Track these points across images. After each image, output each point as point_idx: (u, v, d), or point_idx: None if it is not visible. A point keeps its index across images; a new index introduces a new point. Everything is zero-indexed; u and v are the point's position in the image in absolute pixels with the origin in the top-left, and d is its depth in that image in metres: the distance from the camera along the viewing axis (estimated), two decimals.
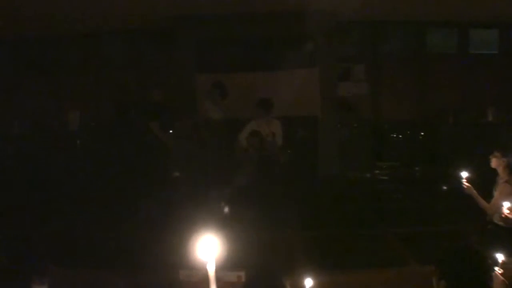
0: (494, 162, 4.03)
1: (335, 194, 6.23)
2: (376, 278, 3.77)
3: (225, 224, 5.13)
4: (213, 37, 7.15)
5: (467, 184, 3.98)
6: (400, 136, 8.03)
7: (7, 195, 5.57)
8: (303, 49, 7.30)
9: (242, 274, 3.20)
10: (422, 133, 7.98)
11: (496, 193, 4.00)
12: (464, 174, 3.99)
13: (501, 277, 2.38)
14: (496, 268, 2.42)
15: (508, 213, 3.52)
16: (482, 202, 3.99)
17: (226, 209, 5.18)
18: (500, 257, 2.50)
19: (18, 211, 5.24)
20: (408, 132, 8.04)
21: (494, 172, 4.10)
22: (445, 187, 6.33)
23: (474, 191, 3.99)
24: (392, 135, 8.03)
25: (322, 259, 4.05)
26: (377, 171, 7.42)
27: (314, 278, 2.49)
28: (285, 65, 7.11)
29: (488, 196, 4.05)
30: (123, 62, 8.08)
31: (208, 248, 1.52)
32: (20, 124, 7.58)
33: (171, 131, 6.27)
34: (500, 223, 3.79)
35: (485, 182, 4.16)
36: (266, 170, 5.67)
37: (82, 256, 4.25)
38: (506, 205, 3.56)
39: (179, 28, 7.13)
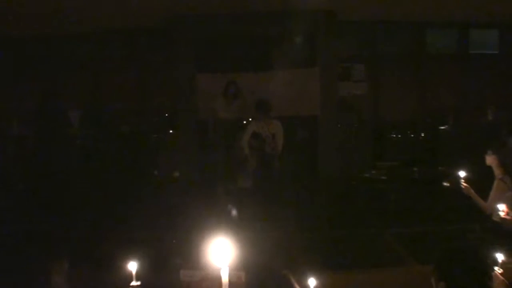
0: (488, 160, 4.05)
1: (335, 194, 6.23)
2: (376, 278, 3.77)
3: (225, 224, 5.15)
4: (213, 37, 7.16)
5: (465, 184, 3.99)
6: (400, 136, 8.03)
7: (6, 195, 5.58)
8: (303, 49, 7.30)
9: (242, 274, 3.20)
10: (422, 133, 7.98)
11: (491, 192, 4.01)
12: (462, 174, 4.00)
13: (501, 277, 2.38)
14: (496, 268, 2.43)
15: (503, 215, 3.53)
16: (480, 201, 4.00)
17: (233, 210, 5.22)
18: (500, 256, 2.50)
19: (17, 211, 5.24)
20: (408, 132, 8.04)
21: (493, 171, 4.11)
22: (445, 187, 6.33)
23: (472, 191, 3.99)
24: (392, 135, 8.03)
25: (322, 259, 4.05)
26: (377, 171, 7.42)
27: (315, 278, 2.50)
28: (285, 65, 7.11)
29: (487, 195, 4.06)
30: (123, 61, 8.09)
31: (222, 252, 1.46)
32: (20, 124, 7.59)
33: None
34: (499, 221, 3.79)
35: (485, 181, 4.17)
36: (266, 170, 5.69)
37: (81, 255, 4.25)
38: (501, 207, 3.57)
39: (178, 27, 7.13)
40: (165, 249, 4.60)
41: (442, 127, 7.78)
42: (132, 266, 2.48)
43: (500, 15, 7.30)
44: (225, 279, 1.44)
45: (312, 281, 2.51)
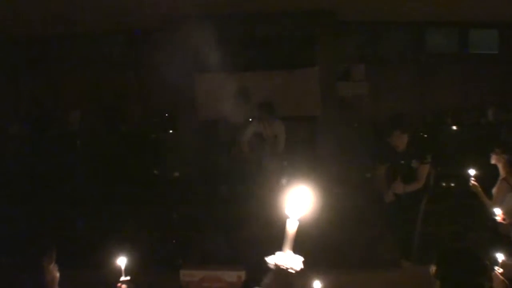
0: (494, 159, 4.06)
1: (335, 194, 6.22)
2: (376, 278, 3.77)
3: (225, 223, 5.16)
4: (213, 37, 7.15)
5: (474, 182, 4.01)
6: None
7: (6, 196, 5.57)
8: (303, 49, 7.29)
9: (242, 274, 3.21)
10: (422, 134, 7.96)
11: (495, 191, 4.02)
12: (472, 172, 4.03)
13: (501, 277, 2.38)
14: (496, 268, 2.43)
15: (500, 220, 3.54)
16: (485, 200, 4.01)
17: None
18: (500, 256, 2.50)
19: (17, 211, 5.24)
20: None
21: (493, 171, 4.11)
22: (445, 187, 6.33)
23: (480, 190, 4.01)
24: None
25: (323, 259, 4.05)
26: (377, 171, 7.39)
27: (321, 281, 2.51)
28: (285, 65, 7.11)
29: (487, 194, 4.07)
30: (123, 62, 8.09)
31: (299, 201, 1.39)
32: (21, 124, 7.59)
33: None
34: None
35: (485, 181, 4.17)
36: (265, 171, 5.70)
37: (81, 256, 4.25)
38: (497, 211, 3.58)
39: (179, 27, 7.13)
40: (165, 249, 4.60)
41: (442, 127, 7.77)
42: (121, 261, 2.45)
43: (500, 15, 7.30)
44: (292, 230, 1.40)
45: (317, 284, 2.53)
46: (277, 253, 1.44)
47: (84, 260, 4.14)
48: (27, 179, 6.37)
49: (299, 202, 1.40)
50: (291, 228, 1.40)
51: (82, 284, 3.18)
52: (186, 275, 3.14)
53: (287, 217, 1.40)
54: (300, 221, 1.40)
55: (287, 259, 1.42)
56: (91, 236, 4.95)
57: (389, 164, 4.42)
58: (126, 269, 2.43)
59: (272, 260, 1.43)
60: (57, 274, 2.12)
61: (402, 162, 4.25)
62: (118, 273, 2.42)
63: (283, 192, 1.46)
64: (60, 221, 5.25)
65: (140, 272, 2.66)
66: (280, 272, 1.40)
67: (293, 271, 1.41)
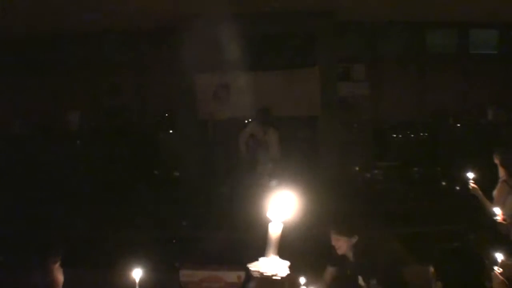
0: (496, 159, 4.06)
1: (336, 195, 6.22)
2: None
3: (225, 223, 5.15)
4: (213, 37, 7.14)
5: (473, 185, 4.00)
6: (400, 136, 8.02)
7: (6, 195, 5.57)
8: (303, 49, 7.29)
9: (242, 274, 3.21)
10: (422, 134, 7.98)
11: (495, 193, 4.02)
12: (471, 175, 4.02)
13: (501, 277, 2.38)
14: (496, 268, 2.43)
15: (499, 220, 3.54)
16: (486, 202, 4.00)
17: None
18: (499, 256, 2.50)
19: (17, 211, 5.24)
20: (408, 132, 8.03)
21: (493, 172, 4.11)
22: (445, 187, 6.34)
23: (480, 192, 4.00)
24: (392, 135, 8.02)
25: (322, 258, 4.04)
26: (377, 171, 7.41)
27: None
28: (285, 65, 7.11)
29: (487, 196, 4.06)
30: (123, 62, 8.09)
31: (282, 204, 1.31)
32: (21, 124, 7.59)
33: None
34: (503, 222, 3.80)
35: (485, 182, 4.17)
36: (258, 173, 5.75)
37: (81, 256, 4.25)
38: (497, 211, 3.58)
39: (179, 28, 7.13)
40: (164, 250, 4.60)
41: (442, 127, 7.78)
42: (137, 274, 2.33)
43: (500, 15, 7.30)
44: (275, 234, 1.29)
45: (302, 280, 2.51)
46: (261, 259, 1.30)
47: (81, 260, 4.13)
48: (27, 178, 6.38)
49: (282, 205, 1.31)
50: (274, 232, 1.28)
51: (86, 284, 3.18)
52: (186, 275, 3.13)
53: (269, 221, 1.30)
54: (285, 224, 1.30)
55: (271, 266, 1.28)
56: (90, 236, 4.95)
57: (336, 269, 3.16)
58: (140, 282, 2.28)
59: (255, 267, 1.29)
60: (61, 277, 2.07)
61: (346, 272, 3.04)
62: (131, 284, 2.30)
63: (269, 194, 1.40)
64: (60, 220, 5.25)
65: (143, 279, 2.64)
66: (264, 280, 1.26)
67: (279, 278, 1.27)
